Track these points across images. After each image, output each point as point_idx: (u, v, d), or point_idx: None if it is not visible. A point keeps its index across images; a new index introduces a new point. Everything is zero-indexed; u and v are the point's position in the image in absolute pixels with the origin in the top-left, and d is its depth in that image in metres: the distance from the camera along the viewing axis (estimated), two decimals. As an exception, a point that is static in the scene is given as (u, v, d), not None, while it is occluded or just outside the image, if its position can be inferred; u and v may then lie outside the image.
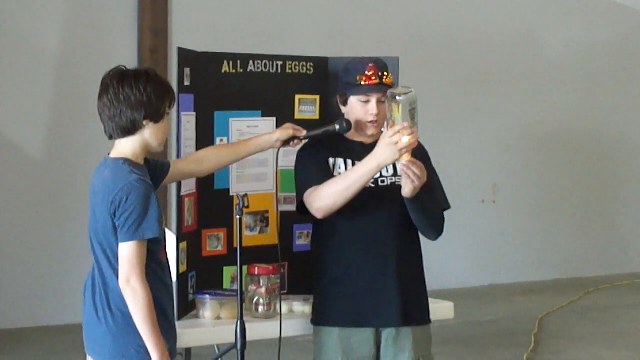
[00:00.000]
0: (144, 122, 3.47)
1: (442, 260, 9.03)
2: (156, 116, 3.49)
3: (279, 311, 4.06)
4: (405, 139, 3.63)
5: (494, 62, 9.64)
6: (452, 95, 9.41)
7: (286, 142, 3.98)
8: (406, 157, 3.68)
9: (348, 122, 3.92)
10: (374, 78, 3.86)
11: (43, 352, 7.11)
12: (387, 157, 3.68)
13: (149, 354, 3.39)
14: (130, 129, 3.47)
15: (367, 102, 3.89)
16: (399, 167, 3.87)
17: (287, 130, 3.98)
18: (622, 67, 10.30)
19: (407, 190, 3.75)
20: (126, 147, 3.50)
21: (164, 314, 3.48)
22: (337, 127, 3.93)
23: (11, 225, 7.73)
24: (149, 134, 3.49)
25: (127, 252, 3.37)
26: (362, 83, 3.87)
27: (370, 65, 3.88)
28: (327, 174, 3.86)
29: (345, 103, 3.95)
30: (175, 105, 3.70)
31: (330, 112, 4.23)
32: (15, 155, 7.72)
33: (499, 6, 9.64)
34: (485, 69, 9.59)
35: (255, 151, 3.99)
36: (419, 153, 3.82)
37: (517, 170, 9.81)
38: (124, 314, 3.41)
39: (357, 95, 3.89)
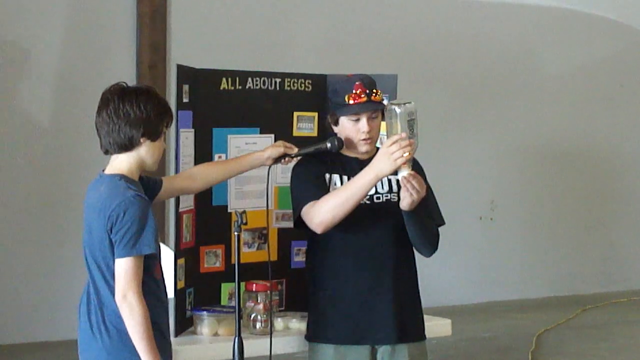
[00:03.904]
0: (142, 140, 3.47)
1: (440, 277, 9.01)
2: (154, 134, 3.50)
3: (274, 327, 4.07)
4: (406, 154, 3.64)
5: (492, 78, 9.65)
6: (450, 112, 9.42)
7: (277, 160, 4.00)
8: (407, 170, 3.68)
9: (340, 140, 3.92)
10: (362, 96, 3.85)
11: (39, 368, 7.10)
12: (384, 167, 3.68)
13: (144, 371, 3.39)
14: (127, 145, 3.48)
15: (357, 120, 3.88)
16: (394, 181, 3.88)
17: (278, 148, 3.99)
18: (620, 84, 10.32)
19: (405, 203, 3.75)
20: (122, 163, 3.50)
21: (159, 330, 3.47)
22: (329, 145, 3.93)
23: (6, 240, 7.71)
24: (145, 152, 3.50)
25: (124, 268, 3.37)
26: (351, 102, 3.86)
27: (357, 83, 3.87)
28: (324, 189, 3.86)
29: (336, 123, 3.95)
30: (174, 122, 3.71)
31: (329, 129, 4.23)
32: (12, 170, 7.72)
33: (497, 23, 9.66)
34: (483, 85, 9.60)
35: (246, 168, 4.01)
36: (415, 168, 3.82)
37: (515, 187, 9.81)
38: (119, 330, 3.41)
39: (346, 115, 3.88)
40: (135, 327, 3.36)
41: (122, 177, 3.47)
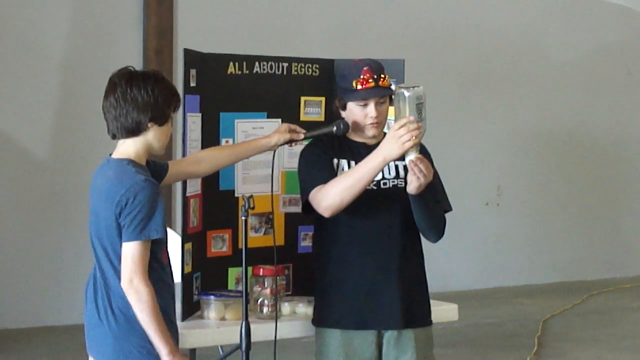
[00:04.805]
0: (149, 124, 3.46)
1: (446, 263, 9.03)
2: (161, 119, 3.48)
3: (281, 312, 4.08)
4: (413, 138, 3.63)
5: (499, 64, 9.64)
6: (457, 98, 9.42)
7: (283, 143, 3.99)
8: (414, 154, 3.67)
9: (346, 124, 3.91)
10: (370, 81, 3.83)
11: (46, 352, 7.11)
12: (392, 150, 3.67)
13: (150, 355, 3.39)
14: (134, 130, 3.47)
15: (365, 105, 3.87)
16: (401, 167, 3.88)
17: (285, 134, 3.97)
18: (628, 70, 10.30)
19: (412, 187, 3.74)
20: (129, 148, 3.49)
21: (165, 313, 3.46)
22: (335, 129, 3.92)
23: (15, 226, 7.74)
24: (152, 136, 3.49)
25: (131, 252, 3.37)
26: (359, 87, 3.84)
27: (365, 68, 3.85)
28: (332, 173, 3.85)
29: (344, 108, 3.93)
30: (181, 106, 3.71)
31: (336, 113, 4.23)
32: (19, 156, 7.73)
33: (504, 9, 9.64)
34: (490, 71, 9.59)
35: (252, 153, 4.00)
36: (422, 153, 3.79)
37: (521, 173, 9.81)
38: (126, 314, 3.41)
39: (354, 100, 3.87)
40: (143, 311, 3.36)
41: (130, 161, 3.46)
